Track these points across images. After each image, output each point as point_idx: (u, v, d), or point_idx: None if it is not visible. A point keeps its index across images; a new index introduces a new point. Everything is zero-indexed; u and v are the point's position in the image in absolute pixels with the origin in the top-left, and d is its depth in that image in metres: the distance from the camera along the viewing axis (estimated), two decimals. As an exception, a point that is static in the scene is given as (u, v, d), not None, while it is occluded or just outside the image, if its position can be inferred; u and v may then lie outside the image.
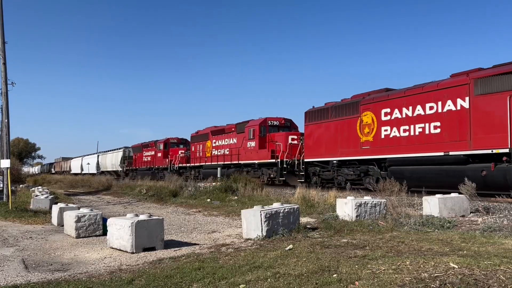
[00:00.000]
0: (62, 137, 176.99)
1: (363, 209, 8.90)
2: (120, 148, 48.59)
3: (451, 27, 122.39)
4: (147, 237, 6.74)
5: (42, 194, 15.86)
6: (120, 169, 46.03)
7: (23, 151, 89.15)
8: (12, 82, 18.79)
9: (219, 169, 26.50)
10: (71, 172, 65.14)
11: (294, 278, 4.39)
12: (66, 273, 5.38)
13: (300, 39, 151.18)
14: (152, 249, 6.73)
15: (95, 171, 54.21)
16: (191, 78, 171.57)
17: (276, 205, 7.80)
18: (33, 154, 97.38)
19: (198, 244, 7.29)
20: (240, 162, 25.21)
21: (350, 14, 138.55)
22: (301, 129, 22.76)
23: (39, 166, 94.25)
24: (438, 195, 9.54)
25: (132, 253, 6.53)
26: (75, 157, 71.10)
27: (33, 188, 22.28)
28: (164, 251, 6.66)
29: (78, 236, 8.27)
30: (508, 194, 11.23)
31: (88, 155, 64.74)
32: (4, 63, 17.74)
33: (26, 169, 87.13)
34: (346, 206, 8.99)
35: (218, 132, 28.95)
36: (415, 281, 3.90)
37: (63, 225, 9.21)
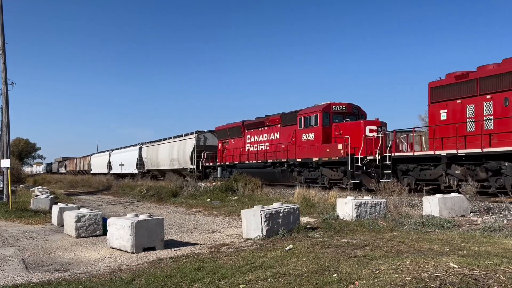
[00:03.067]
0: (62, 137, 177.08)
1: (363, 209, 8.90)
2: (190, 134, 30.58)
3: (447, 26, 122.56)
4: (147, 237, 6.74)
5: (42, 194, 15.87)
6: (190, 166, 29.02)
7: (23, 151, 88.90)
8: (12, 82, 18.88)
9: None
10: (92, 171, 49.77)
11: (294, 278, 4.39)
12: (66, 273, 5.39)
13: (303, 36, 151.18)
14: (152, 249, 6.74)
15: (135, 170, 37.98)
16: (192, 78, 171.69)
17: (276, 205, 7.80)
18: (33, 154, 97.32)
19: (198, 244, 7.29)
20: None
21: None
22: None
23: (44, 165, 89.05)
24: (438, 195, 9.54)
25: (132, 253, 6.53)
26: (98, 153, 55.32)
27: (33, 188, 22.28)
28: (164, 251, 6.67)
29: (78, 236, 8.28)
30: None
31: (120, 148, 46.16)
32: (4, 63, 17.77)
33: (28, 168, 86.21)
34: (346, 206, 8.99)
35: None
36: (415, 281, 3.90)
37: (63, 225, 9.21)
